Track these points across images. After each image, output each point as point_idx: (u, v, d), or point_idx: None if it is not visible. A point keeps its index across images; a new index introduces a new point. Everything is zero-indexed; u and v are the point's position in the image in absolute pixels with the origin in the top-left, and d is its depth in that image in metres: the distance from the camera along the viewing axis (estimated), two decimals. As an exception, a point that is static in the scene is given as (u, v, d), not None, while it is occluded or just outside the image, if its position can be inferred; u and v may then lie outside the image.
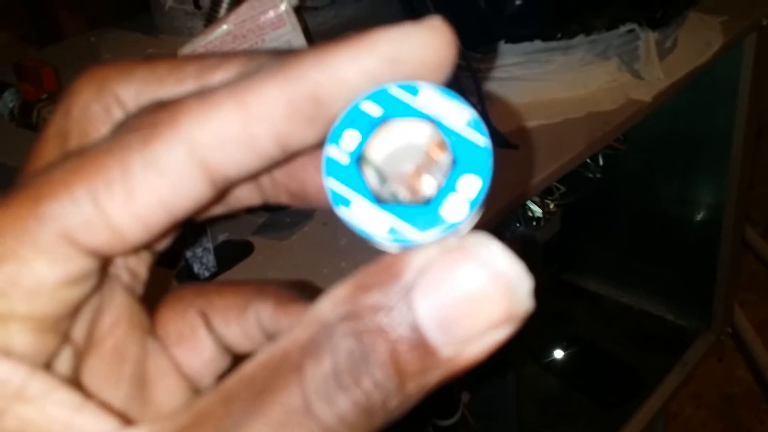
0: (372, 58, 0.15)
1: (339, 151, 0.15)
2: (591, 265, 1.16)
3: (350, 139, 0.15)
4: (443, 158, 0.15)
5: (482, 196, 0.15)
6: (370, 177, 0.15)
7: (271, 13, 0.53)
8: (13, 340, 0.15)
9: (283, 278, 0.57)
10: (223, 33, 0.54)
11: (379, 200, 0.15)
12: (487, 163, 0.15)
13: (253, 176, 0.17)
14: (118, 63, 0.18)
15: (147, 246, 0.18)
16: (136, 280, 0.20)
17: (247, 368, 0.15)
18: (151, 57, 0.18)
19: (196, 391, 0.21)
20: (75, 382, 0.17)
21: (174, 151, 0.15)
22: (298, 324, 0.15)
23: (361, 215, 0.15)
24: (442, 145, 0.15)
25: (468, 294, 0.14)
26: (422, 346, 0.14)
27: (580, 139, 0.68)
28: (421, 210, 0.15)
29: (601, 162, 0.94)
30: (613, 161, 0.95)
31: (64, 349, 0.17)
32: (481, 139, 0.15)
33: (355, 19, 0.98)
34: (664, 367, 1.04)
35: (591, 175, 0.94)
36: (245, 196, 0.20)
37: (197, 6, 0.92)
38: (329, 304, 0.15)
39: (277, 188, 0.20)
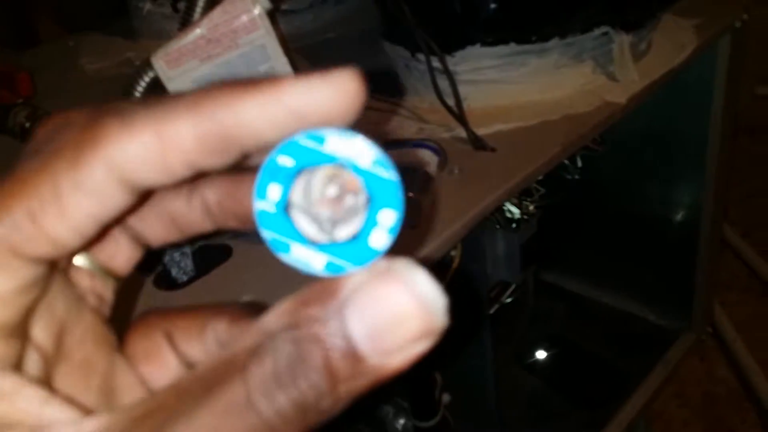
0: (277, 109, 0.17)
1: (267, 204, 0.17)
2: (572, 266, 1.17)
3: (274, 191, 0.17)
4: (359, 194, 0.17)
5: (399, 224, 0.17)
6: (301, 219, 0.17)
7: (244, 17, 0.53)
8: None
9: (261, 281, 0.57)
10: (196, 37, 0.54)
11: (312, 241, 0.17)
12: (398, 195, 0.17)
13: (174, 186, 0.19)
14: (80, 107, 0.20)
15: (83, 250, 0.20)
16: (102, 303, 0.22)
17: (199, 369, 0.17)
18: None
19: None
20: (45, 383, 0.19)
21: (97, 173, 0.17)
22: (246, 333, 0.17)
23: (300, 257, 0.17)
24: (354, 183, 0.17)
25: (392, 311, 0.16)
26: (352, 355, 0.16)
27: (556, 141, 0.68)
28: (351, 245, 0.17)
29: (579, 163, 0.95)
30: (592, 162, 0.95)
31: (31, 354, 0.19)
32: (389, 174, 0.17)
33: (333, 23, 0.99)
34: (646, 367, 1.05)
35: (570, 177, 0.95)
36: (197, 224, 0.23)
37: (175, 9, 0.92)
38: (274, 316, 0.17)
39: (225, 214, 0.22)
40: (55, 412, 0.18)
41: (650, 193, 1.03)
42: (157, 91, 0.59)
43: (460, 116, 0.69)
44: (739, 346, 1.32)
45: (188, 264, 0.57)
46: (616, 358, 1.07)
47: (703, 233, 1.00)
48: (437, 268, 0.68)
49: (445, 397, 0.77)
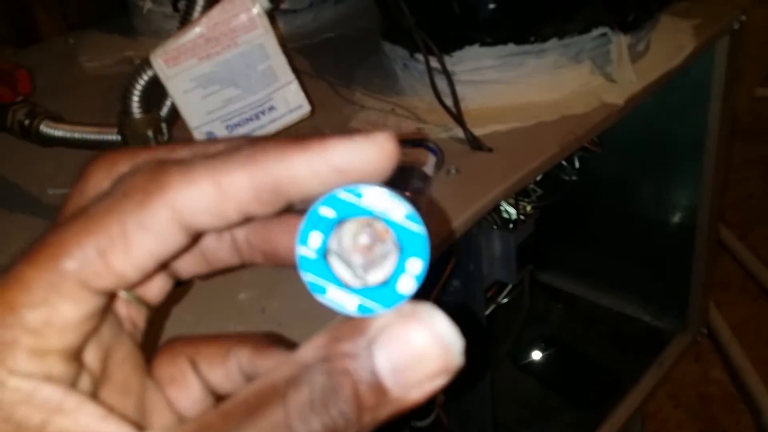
0: (324, 165, 0.19)
1: (308, 250, 0.19)
2: (568, 267, 1.17)
3: (315, 239, 0.19)
4: (389, 244, 0.19)
5: (425, 272, 0.19)
6: (337, 265, 0.20)
7: (243, 16, 0.53)
8: (51, 368, 0.20)
9: (259, 279, 0.57)
10: (195, 36, 0.54)
11: (346, 285, 0.19)
12: (425, 246, 0.19)
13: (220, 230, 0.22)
14: (126, 149, 0.23)
15: (138, 289, 0.23)
16: (136, 330, 0.24)
17: (242, 394, 0.19)
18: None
19: None
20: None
21: (161, 216, 0.20)
22: (285, 364, 0.19)
23: (335, 299, 0.19)
24: (386, 233, 0.19)
25: (414, 350, 0.19)
26: (378, 387, 0.18)
27: (553, 142, 0.69)
28: (381, 289, 0.19)
29: (577, 164, 0.95)
30: (589, 163, 0.96)
31: (83, 375, 0.21)
32: (418, 228, 0.19)
33: (333, 22, 0.99)
34: (641, 368, 1.05)
35: (567, 178, 0.95)
36: (226, 259, 0.25)
37: (175, 8, 0.92)
38: (309, 350, 0.19)
39: (252, 251, 0.24)
40: (111, 427, 0.20)
41: (647, 194, 1.04)
42: (156, 89, 0.59)
43: (458, 116, 0.69)
44: (735, 347, 1.33)
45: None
46: (611, 359, 1.08)
47: (700, 235, 1.01)
48: (433, 268, 0.68)
49: (440, 397, 0.77)
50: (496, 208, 0.79)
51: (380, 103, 0.78)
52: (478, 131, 0.69)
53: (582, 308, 1.16)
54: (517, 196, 0.81)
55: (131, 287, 0.21)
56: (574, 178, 0.94)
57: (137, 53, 0.93)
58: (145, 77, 0.58)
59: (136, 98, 0.58)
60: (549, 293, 1.18)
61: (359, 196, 0.19)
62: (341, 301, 0.19)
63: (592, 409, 1.01)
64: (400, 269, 0.19)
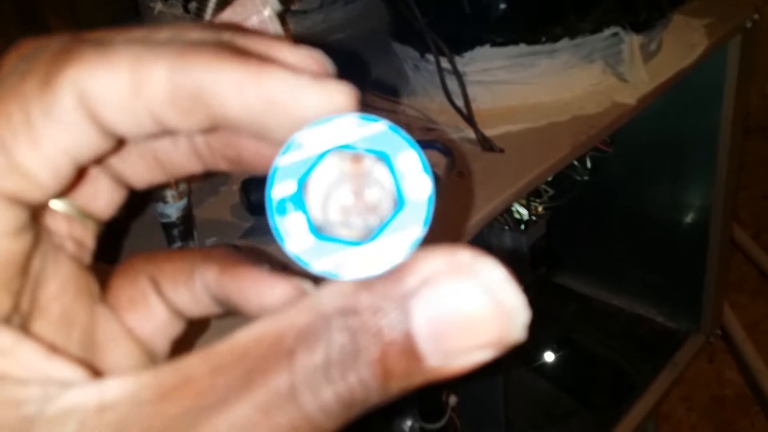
0: (254, 91, 0.16)
1: (297, 244, 0.16)
2: (581, 268, 1.17)
3: (296, 221, 0.16)
4: (367, 165, 0.16)
5: (423, 159, 0.16)
6: (338, 228, 0.16)
7: (255, 19, 0.53)
8: None
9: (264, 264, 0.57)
10: (206, 38, 0.54)
11: (362, 240, 0.15)
12: (404, 137, 0.16)
13: (146, 138, 0.18)
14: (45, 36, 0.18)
15: (61, 194, 0.18)
16: (83, 249, 0.21)
17: (240, 339, 0.15)
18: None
19: (149, 354, 0.22)
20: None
21: (66, 99, 0.16)
22: (297, 307, 0.15)
23: (362, 261, 0.15)
24: (358, 158, 0.16)
25: (466, 313, 0.15)
26: (411, 352, 0.15)
27: (565, 142, 0.68)
28: (400, 213, 0.15)
29: (588, 164, 0.95)
30: (601, 163, 0.95)
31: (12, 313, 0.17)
32: (380, 126, 0.16)
33: (343, 23, 0.99)
34: (654, 369, 1.05)
35: (579, 178, 0.94)
36: (183, 164, 0.21)
37: (186, 10, 0.92)
38: (330, 295, 0.15)
39: (214, 155, 0.20)
40: (59, 368, 0.16)
41: (660, 194, 1.03)
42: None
43: (468, 117, 0.69)
44: (749, 348, 1.32)
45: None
46: (625, 360, 1.07)
47: (713, 235, 1.00)
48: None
49: (452, 399, 0.77)
50: (508, 209, 0.79)
51: (391, 104, 0.78)
52: (489, 132, 0.69)
53: (595, 309, 1.15)
54: (529, 196, 0.81)
55: (51, 194, 0.17)
56: (586, 178, 0.93)
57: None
58: (157, 80, 0.58)
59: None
60: (562, 294, 1.17)
61: (299, 147, 0.16)
62: (373, 262, 0.15)
63: (605, 411, 1.01)
64: (396, 178, 0.16)
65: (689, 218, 1.03)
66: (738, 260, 1.53)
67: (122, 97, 0.16)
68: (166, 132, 0.17)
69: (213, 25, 0.18)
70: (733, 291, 1.45)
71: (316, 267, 0.15)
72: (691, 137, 0.95)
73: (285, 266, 0.22)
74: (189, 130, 0.17)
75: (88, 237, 0.21)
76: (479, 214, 0.61)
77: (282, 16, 0.56)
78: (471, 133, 0.69)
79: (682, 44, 0.81)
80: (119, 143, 0.18)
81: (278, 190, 0.16)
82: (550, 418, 1.03)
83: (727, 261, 1.08)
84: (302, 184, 0.16)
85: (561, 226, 0.92)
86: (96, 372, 0.17)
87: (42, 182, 0.17)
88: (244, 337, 0.15)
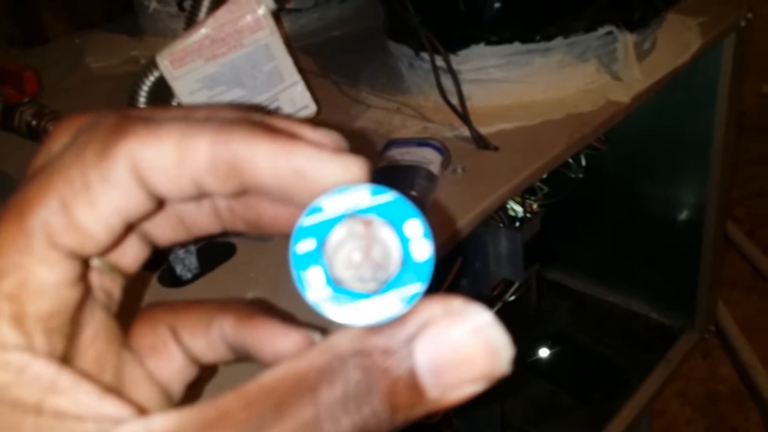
0: (285, 165, 0.19)
1: (316, 293, 0.18)
2: (576, 265, 1.17)
3: (315, 275, 0.18)
4: (376, 229, 0.18)
5: (427, 228, 0.18)
6: (350, 284, 0.18)
7: (249, 17, 0.53)
8: (33, 340, 0.18)
9: (265, 278, 0.57)
10: (201, 37, 0.54)
11: (372, 293, 0.18)
12: (407, 207, 0.18)
13: (186, 200, 0.21)
14: (98, 111, 0.21)
15: (107, 251, 0.20)
16: (111, 300, 0.23)
17: (267, 378, 0.18)
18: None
19: (167, 397, 0.24)
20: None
21: (121, 168, 0.19)
22: (315, 350, 0.18)
23: (369, 313, 0.18)
24: (369, 223, 0.18)
25: (461, 351, 0.17)
26: (414, 387, 0.17)
27: (559, 140, 0.69)
28: (402, 272, 0.18)
29: (583, 162, 0.95)
30: (596, 161, 0.95)
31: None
32: (389, 195, 0.18)
33: (338, 21, 0.99)
34: (649, 365, 1.05)
35: (574, 175, 0.95)
36: (205, 224, 0.23)
37: (181, 8, 0.93)
38: (344, 340, 0.18)
39: (234, 218, 0.23)
40: (111, 407, 0.18)
41: (654, 191, 1.03)
42: (162, 90, 0.59)
43: (463, 115, 0.69)
44: (742, 344, 1.32)
45: (192, 262, 0.58)
46: (619, 356, 1.08)
47: (707, 232, 1.00)
48: (440, 267, 0.68)
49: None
50: (503, 207, 0.79)
51: (386, 102, 0.78)
52: (484, 130, 0.69)
53: (589, 306, 1.16)
54: (524, 194, 0.81)
55: (102, 250, 0.20)
56: (580, 176, 0.94)
57: (143, 53, 0.94)
58: (152, 78, 0.58)
59: (142, 99, 0.59)
60: (556, 291, 1.18)
61: (321, 210, 0.18)
62: (380, 311, 0.18)
63: (599, 406, 1.01)
64: (404, 241, 0.18)
65: (683, 215, 1.03)
66: (732, 257, 1.54)
67: (169, 165, 0.19)
68: (204, 195, 0.20)
69: (243, 107, 0.22)
70: (727, 287, 1.46)
71: (332, 315, 0.18)
72: (686, 135, 0.95)
73: (293, 318, 0.24)
74: (225, 194, 0.20)
75: (116, 289, 0.23)
76: (474, 212, 0.61)
77: (276, 15, 0.56)
78: (466, 131, 0.69)
79: (676, 43, 0.81)
80: (160, 205, 0.20)
81: (301, 247, 0.18)
82: (544, 414, 1.03)
83: (721, 258, 1.08)
84: (321, 242, 0.18)
85: (556, 224, 0.93)
86: (142, 411, 0.19)
87: (97, 238, 0.19)
88: (270, 376, 0.18)
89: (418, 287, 0.18)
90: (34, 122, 0.68)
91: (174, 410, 0.18)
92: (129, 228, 0.20)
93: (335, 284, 0.18)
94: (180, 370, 0.24)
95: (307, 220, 0.18)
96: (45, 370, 0.18)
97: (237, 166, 0.19)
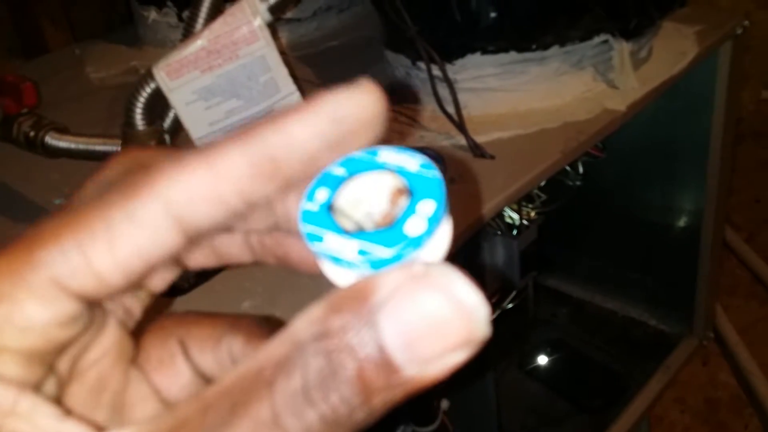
0: (318, 120, 0.18)
1: (312, 204, 0.18)
2: (574, 271, 1.17)
3: (321, 194, 0.18)
4: (403, 199, 0.18)
5: (439, 216, 0.17)
6: (342, 220, 0.18)
7: (245, 29, 0.54)
8: (3, 368, 0.17)
9: (262, 288, 0.57)
10: (197, 48, 0.55)
11: (346, 231, 0.17)
12: (440, 189, 0.17)
13: (222, 227, 0.19)
14: (148, 149, 0.21)
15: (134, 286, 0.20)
16: (129, 318, 0.22)
17: (225, 380, 0.16)
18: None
19: None
20: (58, 402, 0.19)
21: (151, 208, 0.18)
22: (273, 341, 0.16)
23: (333, 245, 0.17)
24: (401, 189, 0.18)
25: (431, 318, 0.15)
26: (387, 365, 0.15)
27: (555, 148, 0.69)
28: (386, 231, 0.17)
29: (581, 170, 0.95)
30: (593, 169, 0.96)
31: (49, 377, 0.19)
32: (433, 173, 0.18)
33: (337, 31, 0.99)
34: (648, 372, 1.05)
35: (571, 183, 0.95)
36: (237, 255, 0.22)
37: (180, 18, 0.93)
38: (302, 324, 0.16)
39: (265, 251, 0.22)
40: (72, 429, 0.18)
41: (652, 198, 1.04)
42: (159, 101, 0.59)
43: (459, 124, 0.70)
44: (742, 351, 1.32)
45: (190, 272, 0.58)
46: (618, 363, 1.08)
47: (705, 238, 1.01)
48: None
49: (444, 403, 0.77)
50: (500, 215, 0.79)
51: (383, 111, 0.78)
52: (480, 138, 0.70)
53: (588, 312, 1.16)
54: (521, 201, 0.81)
55: (115, 293, 0.19)
56: (578, 183, 0.94)
57: (143, 63, 0.94)
58: (148, 89, 0.58)
59: (139, 110, 0.59)
60: (555, 298, 1.18)
61: (375, 153, 0.18)
62: (339, 246, 0.17)
63: (598, 413, 1.01)
64: (409, 211, 0.17)
65: (682, 222, 1.03)
66: (731, 263, 1.54)
67: (204, 191, 0.18)
68: (252, 208, 0.19)
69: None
70: (726, 294, 1.46)
71: (304, 227, 0.18)
72: (683, 142, 0.96)
73: None
74: (276, 191, 0.19)
75: (137, 307, 0.22)
76: (470, 220, 0.61)
77: (272, 26, 0.57)
78: (462, 140, 0.70)
79: (672, 51, 0.81)
80: (191, 241, 0.19)
81: (335, 169, 0.18)
82: (543, 421, 1.03)
83: (719, 264, 1.08)
84: (351, 175, 0.18)
85: (554, 231, 0.93)
86: (100, 430, 0.18)
87: (110, 283, 0.18)
88: (228, 376, 0.16)
89: (386, 253, 0.16)
90: (32, 133, 0.69)
91: (131, 426, 0.17)
92: (148, 272, 0.19)
93: (327, 210, 0.18)
94: (187, 385, 0.23)
95: (356, 153, 0.18)
96: (4, 394, 0.17)
97: (277, 157, 0.18)
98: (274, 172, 0.18)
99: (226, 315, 0.24)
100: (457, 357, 0.16)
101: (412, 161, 0.18)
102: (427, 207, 0.17)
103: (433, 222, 0.17)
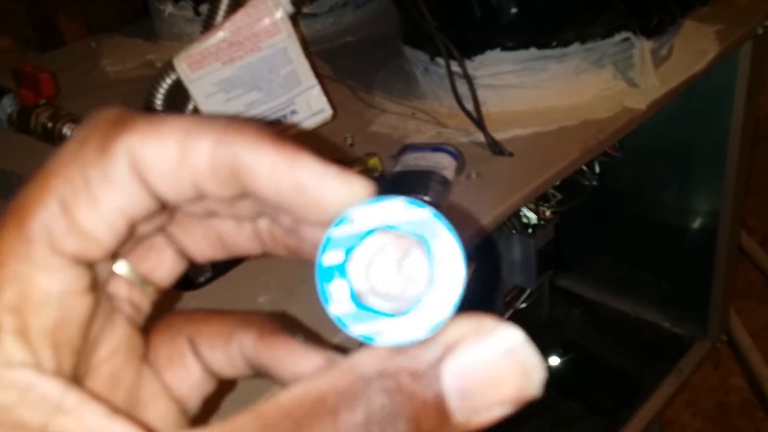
0: (285, 175, 0.18)
1: (338, 305, 0.17)
2: (587, 272, 1.17)
3: (337, 289, 0.17)
4: (410, 244, 0.17)
5: (461, 249, 0.17)
6: (375, 302, 0.17)
7: (267, 21, 0.54)
8: (40, 356, 0.17)
9: (278, 283, 0.57)
10: (219, 40, 0.55)
11: (396, 313, 0.17)
12: (442, 222, 0.17)
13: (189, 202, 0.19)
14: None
15: (112, 253, 0.19)
16: (138, 313, 0.22)
17: (284, 399, 0.17)
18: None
19: (184, 412, 0.23)
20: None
21: (122, 166, 0.18)
22: (335, 370, 0.17)
23: (393, 335, 0.17)
24: (401, 238, 0.17)
25: (490, 373, 0.16)
26: (442, 411, 0.16)
27: (574, 146, 0.68)
28: (432, 294, 0.17)
29: (597, 169, 0.94)
30: (610, 168, 0.95)
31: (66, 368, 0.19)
32: (422, 211, 0.17)
33: (353, 26, 0.99)
34: (660, 375, 1.05)
35: (587, 183, 0.94)
36: (246, 246, 0.22)
37: (197, 12, 0.93)
38: (368, 360, 0.17)
39: (276, 243, 0.22)
40: (120, 428, 0.17)
41: (668, 199, 1.03)
42: (179, 93, 0.59)
43: (478, 121, 0.69)
44: (754, 354, 1.31)
45: (206, 265, 0.58)
46: (630, 365, 1.07)
47: (720, 241, 1.00)
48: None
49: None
50: (516, 213, 0.79)
51: (401, 107, 0.78)
52: (498, 135, 0.69)
53: (601, 314, 1.15)
54: (537, 200, 0.81)
55: (107, 253, 0.19)
56: (594, 183, 0.93)
57: (159, 56, 0.94)
58: (168, 81, 0.58)
59: (159, 101, 0.59)
60: (568, 298, 1.17)
61: (350, 221, 0.17)
62: (401, 335, 0.17)
63: (609, 415, 1.01)
64: (432, 261, 0.17)
65: (697, 224, 1.02)
66: (745, 267, 1.53)
67: (169, 165, 0.18)
68: (202, 198, 0.19)
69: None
70: (739, 297, 1.45)
71: (353, 331, 0.17)
72: (700, 143, 0.95)
73: (317, 336, 0.23)
74: (223, 198, 0.19)
75: (145, 302, 0.22)
76: (488, 218, 0.61)
77: (294, 18, 0.56)
78: (481, 137, 0.69)
79: (692, 50, 0.81)
80: (170, 208, 0.20)
81: (328, 258, 0.17)
82: (554, 422, 1.03)
83: (734, 267, 1.07)
84: (349, 255, 0.17)
85: (569, 231, 0.92)
86: (151, 431, 0.18)
87: (101, 240, 0.18)
88: (288, 397, 0.17)
89: (446, 312, 0.17)
90: (50, 124, 0.69)
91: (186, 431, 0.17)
92: (141, 234, 0.19)
93: (359, 300, 0.17)
94: (197, 383, 0.23)
95: (336, 231, 0.17)
96: (51, 389, 0.17)
97: (238, 172, 0.18)
98: (231, 182, 0.18)
99: (235, 312, 0.23)
100: (504, 410, 0.16)
101: (394, 206, 0.17)
102: (446, 247, 0.17)
103: (464, 258, 0.17)
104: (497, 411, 0.16)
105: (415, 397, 0.16)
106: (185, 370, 0.23)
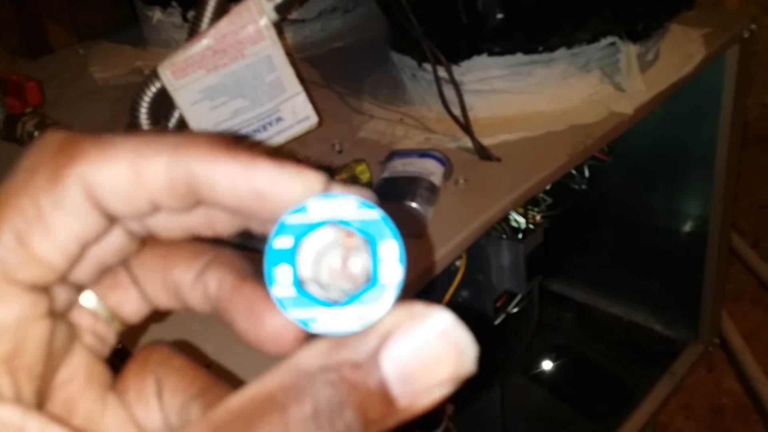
0: (244, 183, 0.18)
1: (280, 287, 0.18)
2: (579, 276, 1.17)
3: (281, 273, 0.18)
4: (356, 242, 0.18)
5: (404, 252, 0.18)
6: (316, 290, 0.18)
7: (251, 28, 0.53)
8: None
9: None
10: (203, 47, 0.54)
11: (335, 302, 0.18)
12: (388, 226, 0.18)
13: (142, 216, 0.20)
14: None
15: (66, 275, 0.20)
16: (103, 344, 0.23)
17: (234, 402, 0.17)
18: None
19: None
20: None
21: (74, 193, 0.18)
22: (281, 368, 0.18)
23: (329, 323, 0.18)
24: (349, 237, 0.18)
25: (427, 356, 0.17)
26: (385, 397, 0.17)
27: (562, 151, 0.68)
28: (369, 290, 0.18)
29: (587, 173, 0.94)
30: (599, 172, 0.95)
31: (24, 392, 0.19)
32: (372, 212, 0.18)
33: (341, 32, 0.99)
34: (653, 378, 1.05)
35: (577, 187, 0.94)
36: (196, 304, 0.23)
37: (185, 19, 0.93)
38: (311, 356, 0.18)
39: (219, 310, 0.22)
40: None
41: (658, 203, 1.03)
42: (164, 101, 0.59)
43: (466, 126, 0.69)
44: (747, 357, 1.31)
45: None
46: (623, 369, 1.07)
47: (711, 243, 1.00)
48: (442, 278, 0.68)
49: (449, 408, 0.76)
50: (505, 218, 0.78)
51: (388, 112, 0.78)
52: (486, 141, 0.69)
53: (593, 317, 1.15)
54: (527, 205, 0.80)
55: (61, 276, 0.19)
56: (583, 187, 0.93)
57: (147, 63, 0.94)
58: (153, 89, 0.58)
59: (144, 110, 0.59)
60: (559, 302, 1.17)
61: (304, 210, 0.18)
62: (336, 324, 0.18)
63: (602, 419, 1.01)
64: (376, 260, 0.18)
65: (687, 227, 1.03)
66: (737, 269, 1.53)
67: (123, 187, 0.18)
68: (158, 210, 0.19)
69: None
70: (731, 300, 1.45)
71: (290, 314, 0.18)
72: (689, 146, 0.95)
73: None
74: (182, 210, 0.19)
75: (110, 334, 0.23)
76: (476, 223, 0.61)
77: (278, 26, 0.56)
78: (468, 142, 0.69)
79: (679, 54, 0.81)
80: (135, 239, 0.20)
81: (278, 242, 0.18)
82: (547, 426, 1.03)
83: (725, 270, 1.08)
84: (298, 242, 0.18)
85: (559, 235, 0.92)
86: None
87: (55, 266, 0.19)
88: (237, 399, 0.17)
89: (380, 310, 0.18)
90: (36, 133, 0.68)
91: None
92: (85, 248, 0.20)
93: (301, 286, 0.18)
94: (159, 427, 0.23)
95: (290, 218, 0.18)
96: (11, 416, 0.17)
97: (195, 186, 0.18)
98: (188, 197, 0.19)
99: (208, 372, 0.24)
100: (444, 390, 0.17)
101: (348, 204, 0.18)
102: (390, 249, 0.18)
103: (403, 261, 0.18)
104: (438, 392, 0.17)
105: (359, 386, 0.17)
106: (149, 410, 0.23)
